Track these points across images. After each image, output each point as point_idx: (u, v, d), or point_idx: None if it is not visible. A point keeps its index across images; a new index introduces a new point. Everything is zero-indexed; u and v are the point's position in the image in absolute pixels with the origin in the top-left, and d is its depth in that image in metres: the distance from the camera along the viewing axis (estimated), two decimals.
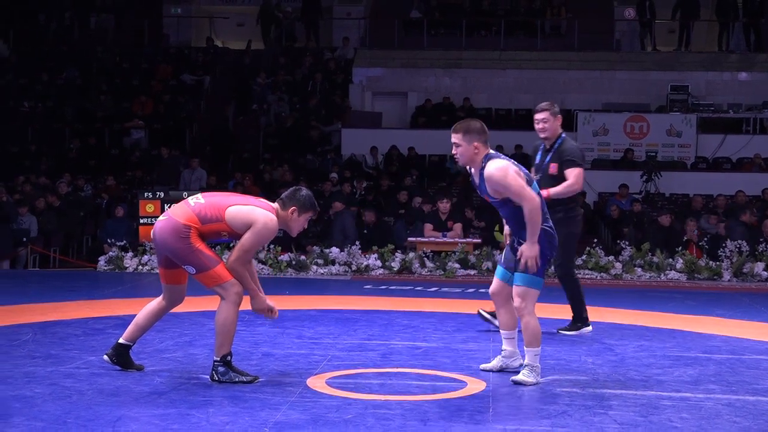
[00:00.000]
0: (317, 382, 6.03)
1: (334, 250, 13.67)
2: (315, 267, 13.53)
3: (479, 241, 14.34)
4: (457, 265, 13.47)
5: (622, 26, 25.28)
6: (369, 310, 9.66)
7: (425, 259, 13.61)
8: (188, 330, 8.06)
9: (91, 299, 10.10)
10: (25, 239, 15.39)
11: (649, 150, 20.80)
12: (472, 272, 13.47)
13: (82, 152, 20.68)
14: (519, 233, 6.11)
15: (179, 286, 6.29)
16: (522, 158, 20.48)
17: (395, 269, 13.48)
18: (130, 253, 13.77)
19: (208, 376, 6.08)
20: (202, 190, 15.62)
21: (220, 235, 6.11)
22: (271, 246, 13.69)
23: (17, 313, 8.92)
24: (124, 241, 13.92)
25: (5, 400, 5.39)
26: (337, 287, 12.09)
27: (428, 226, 14.19)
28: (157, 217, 13.37)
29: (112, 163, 20.38)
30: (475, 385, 6.04)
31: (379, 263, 13.55)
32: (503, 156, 6.15)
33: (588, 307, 8.58)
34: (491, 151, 6.10)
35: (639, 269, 13.62)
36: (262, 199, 6.24)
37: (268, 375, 6.25)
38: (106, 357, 6.31)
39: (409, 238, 14.34)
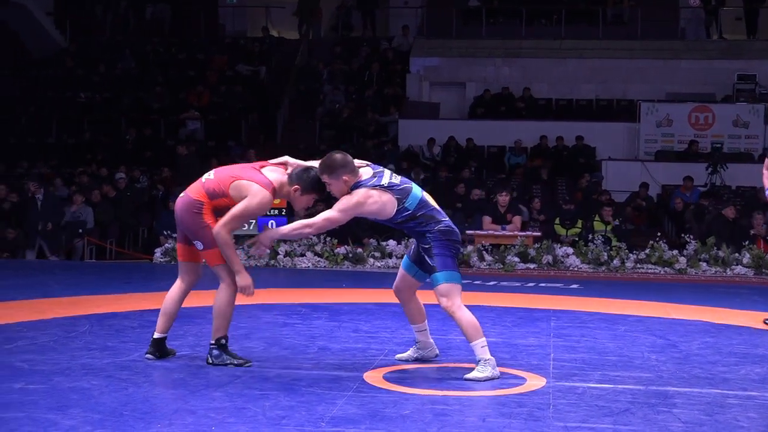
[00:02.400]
0: (374, 377, 5.96)
1: (391, 242, 13.59)
2: (372, 260, 13.48)
3: (539, 234, 14.18)
4: (516, 259, 13.34)
5: (686, 14, 24.83)
6: (427, 304, 9.48)
7: (484, 252, 13.48)
8: (244, 323, 8.03)
9: (147, 291, 10.12)
10: (81, 231, 15.51)
11: (715, 141, 20.42)
12: (532, 266, 13.33)
13: (137, 143, 20.81)
14: (419, 241, 6.21)
15: (195, 264, 6.42)
16: (584, 149, 20.31)
17: None
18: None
19: (265, 369, 6.05)
20: None
21: (230, 209, 6.15)
22: (328, 239, 13.67)
23: (74, 304, 8.97)
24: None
25: (63, 391, 5.40)
26: (393, 281, 11.99)
27: (487, 219, 14.05)
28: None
29: (167, 154, 20.49)
30: (535, 382, 5.94)
31: None
32: (377, 178, 6.06)
33: (652, 303, 8.42)
34: (363, 177, 6.05)
35: (704, 264, 13.39)
36: (270, 168, 6.30)
37: (324, 369, 6.20)
38: (148, 355, 6.39)
39: (468, 231, 14.21)
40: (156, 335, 6.41)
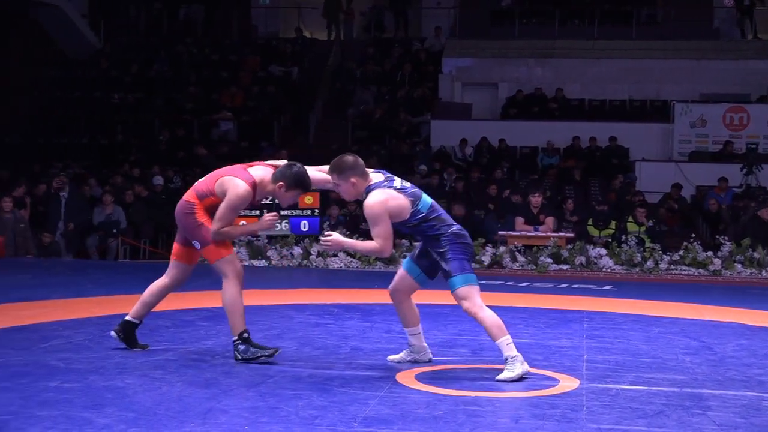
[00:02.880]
0: (407, 377, 5.96)
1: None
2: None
3: (572, 235, 14.12)
4: (549, 260, 13.29)
5: (720, 13, 24.67)
6: (459, 305, 9.53)
7: (516, 253, 13.44)
8: (277, 323, 8.06)
9: (180, 291, 10.13)
10: (115, 231, 15.61)
11: (750, 142, 20.26)
12: (565, 267, 13.28)
13: (170, 144, 20.91)
14: (431, 245, 6.19)
15: (186, 265, 6.64)
16: (618, 150, 20.21)
17: (486, 263, 13.33)
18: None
19: (298, 369, 6.06)
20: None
21: (217, 207, 6.29)
22: (360, 239, 13.68)
23: (108, 304, 9.03)
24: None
25: (97, 390, 5.43)
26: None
27: (519, 220, 14.01)
28: (247, 209, 13.47)
29: (199, 155, 20.54)
30: (568, 383, 5.91)
31: None
32: (388, 182, 6.13)
33: (686, 305, 8.37)
34: (373, 181, 6.11)
35: (739, 265, 13.28)
36: (257, 167, 6.47)
37: (357, 369, 6.20)
38: (113, 333, 6.66)
39: (500, 232, 14.17)
40: (128, 317, 6.70)
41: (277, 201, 6.69)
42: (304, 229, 13.61)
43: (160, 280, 6.71)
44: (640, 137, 20.59)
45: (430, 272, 6.27)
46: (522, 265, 13.35)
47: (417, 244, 6.44)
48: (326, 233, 6.18)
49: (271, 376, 5.91)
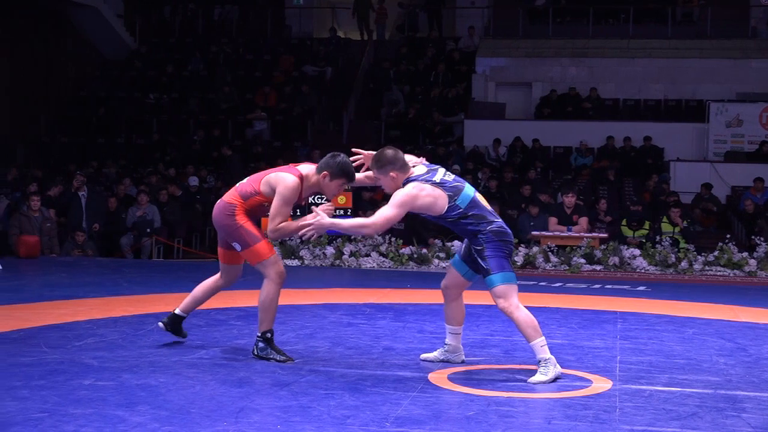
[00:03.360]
0: (439, 378, 5.96)
1: (456, 243, 13.55)
2: (437, 260, 13.45)
3: (605, 235, 14.04)
4: (582, 260, 13.23)
5: (757, 12, 24.41)
6: (492, 305, 9.45)
7: (549, 253, 13.38)
8: (309, 322, 8.08)
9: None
10: (149, 230, 15.70)
11: None
12: (598, 268, 13.21)
13: (205, 144, 21.01)
14: (471, 242, 6.13)
15: (235, 266, 6.73)
16: (652, 150, 20.08)
17: (518, 264, 13.29)
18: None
19: (330, 369, 6.08)
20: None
21: (264, 207, 6.39)
22: (393, 239, 13.69)
23: (142, 303, 9.10)
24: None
25: (131, 388, 5.47)
26: None
27: (553, 220, 13.96)
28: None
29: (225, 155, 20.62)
30: (600, 384, 5.88)
31: None
32: (429, 174, 6.09)
33: (720, 306, 8.30)
34: (414, 174, 6.10)
35: None
36: (301, 164, 6.52)
37: (389, 369, 6.20)
38: (160, 324, 6.90)
39: (533, 232, 14.12)
40: (177, 310, 6.90)
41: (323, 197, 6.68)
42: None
43: (212, 279, 6.84)
44: (675, 137, 20.44)
45: (477, 268, 6.18)
46: (555, 266, 13.30)
47: (464, 241, 6.36)
48: (302, 223, 6.08)
49: (304, 375, 5.92)
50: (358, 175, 6.48)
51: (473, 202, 6.06)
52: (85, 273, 12.02)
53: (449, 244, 13.58)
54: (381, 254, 13.48)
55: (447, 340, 6.51)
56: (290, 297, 9.63)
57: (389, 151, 6.11)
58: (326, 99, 23.17)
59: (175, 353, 6.55)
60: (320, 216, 5.98)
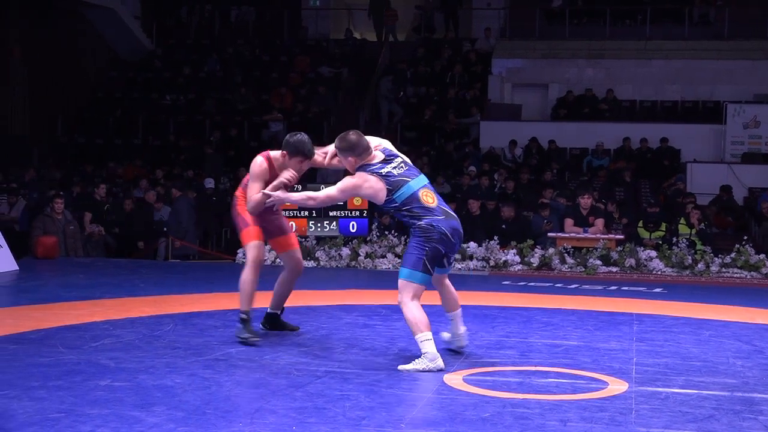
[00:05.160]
0: (454, 379, 5.95)
1: (472, 245, 13.54)
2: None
3: (622, 237, 14.00)
4: (598, 262, 13.19)
5: None
6: (507, 307, 9.54)
7: (565, 255, 13.36)
8: (325, 324, 8.08)
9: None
10: (165, 230, 15.75)
11: None
12: (614, 269, 13.17)
13: (221, 145, 21.05)
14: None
15: (290, 251, 7.39)
16: (669, 152, 20.02)
17: (534, 265, 13.27)
18: (267, 246, 13.91)
19: (345, 370, 6.10)
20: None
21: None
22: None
23: (158, 303, 9.12)
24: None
25: (147, 389, 5.49)
26: (474, 283, 11.97)
27: (569, 222, 13.92)
28: (294, 210, 13.58)
29: (250, 155, 20.63)
30: (617, 386, 5.87)
31: (517, 259, 13.37)
32: (381, 165, 6.40)
33: (737, 308, 8.26)
34: (372, 162, 6.43)
35: None
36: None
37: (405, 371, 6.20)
38: (261, 325, 7.45)
39: (549, 234, 14.09)
40: (269, 310, 7.55)
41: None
42: (353, 230, 13.67)
43: (283, 273, 7.49)
44: (692, 138, 20.38)
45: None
46: (571, 267, 13.26)
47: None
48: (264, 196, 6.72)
49: (319, 376, 5.93)
50: (317, 157, 7.00)
51: (412, 198, 6.34)
52: (101, 274, 12.06)
53: (465, 245, 13.56)
54: (397, 255, 13.47)
55: (453, 328, 6.91)
56: (306, 298, 9.64)
57: (352, 137, 6.47)
58: (342, 100, 23.18)
59: (191, 354, 6.57)
60: (279, 191, 6.70)
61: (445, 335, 6.97)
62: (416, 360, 6.22)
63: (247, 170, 7.19)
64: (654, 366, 6.54)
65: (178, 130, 22.05)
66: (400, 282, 6.35)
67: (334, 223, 13.85)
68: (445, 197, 15.92)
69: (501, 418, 5.05)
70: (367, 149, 6.44)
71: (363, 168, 6.42)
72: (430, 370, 6.13)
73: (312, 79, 23.51)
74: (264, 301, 7.62)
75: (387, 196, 6.34)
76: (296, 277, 7.47)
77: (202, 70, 24.21)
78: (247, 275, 6.99)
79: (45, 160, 21.02)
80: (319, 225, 13.85)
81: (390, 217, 14.10)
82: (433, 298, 6.88)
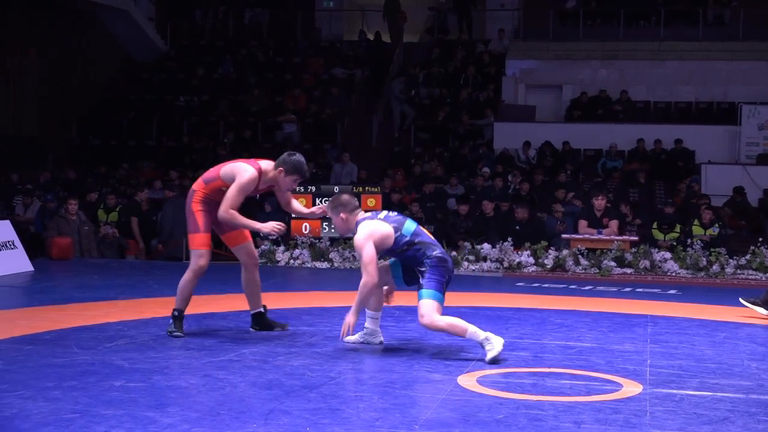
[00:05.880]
0: (468, 381, 5.95)
1: (486, 246, 13.53)
2: (466, 263, 13.43)
3: (636, 238, 13.97)
4: (612, 263, 13.16)
5: None
6: (521, 308, 9.53)
7: (579, 256, 13.33)
8: (338, 325, 8.04)
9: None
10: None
11: None
12: (629, 271, 13.14)
13: (235, 146, 21.07)
14: (415, 265, 6.76)
15: (243, 244, 7.41)
16: (683, 153, 19.95)
17: (548, 266, 13.25)
18: (281, 247, 13.95)
19: (359, 371, 6.10)
20: (353, 184, 15.68)
21: (222, 192, 7.05)
22: None
23: (172, 304, 9.08)
24: (275, 235, 13.96)
25: (161, 390, 5.50)
26: (488, 284, 11.96)
27: (583, 223, 13.90)
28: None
29: (263, 156, 20.60)
30: (631, 388, 5.85)
31: (531, 260, 13.35)
32: (376, 215, 6.89)
33: (753, 310, 8.23)
34: (362, 216, 6.89)
35: None
36: (261, 160, 7.24)
37: (418, 372, 6.20)
38: (251, 329, 7.55)
39: (563, 236, 14.07)
40: (252, 311, 7.59)
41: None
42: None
43: (242, 274, 7.50)
44: (706, 140, 20.29)
45: (408, 280, 6.91)
46: (585, 269, 13.24)
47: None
48: (343, 336, 6.89)
49: (333, 377, 5.93)
50: (301, 209, 7.57)
51: (416, 232, 6.78)
52: (116, 275, 12.10)
53: (479, 246, 13.55)
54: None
55: (366, 323, 7.14)
56: (320, 299, 9.66)
57: (345, 197, 6.96)
58: (356, 101, 23.17)
59: (205, 355, 6.58)
60: (345, 320, 6.79)
61: (351, 338, 7.14)
62: (487, 346, 6.52)
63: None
64: (668, 368, 6.52)
65: (192, 131, 22.08)
66: (426, 302, 6.61)
67: (335, 227, 13.82)
68: (459, 199, 16.00)
69: (515, 419, 5.04)
70: (356, 207, 6.90)
71: (358, 222, 6.83)
72: (502, 344, 6.55)
73: (325, 81, 23.52)
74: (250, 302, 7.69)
75: (396, 233, 6.72)
76: (256, 270, 7.51)
77: (215, 71, 24.24)
78: (187, 278, 7.23)
79: (59, 162, 21.08)
80: (333, 226, 13.86)
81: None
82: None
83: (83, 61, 23.54)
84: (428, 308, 6.60)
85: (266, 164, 7.18)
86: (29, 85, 22.04)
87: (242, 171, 7.03)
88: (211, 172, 7.24)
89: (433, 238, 6.92)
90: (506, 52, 23.88)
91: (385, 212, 6.97)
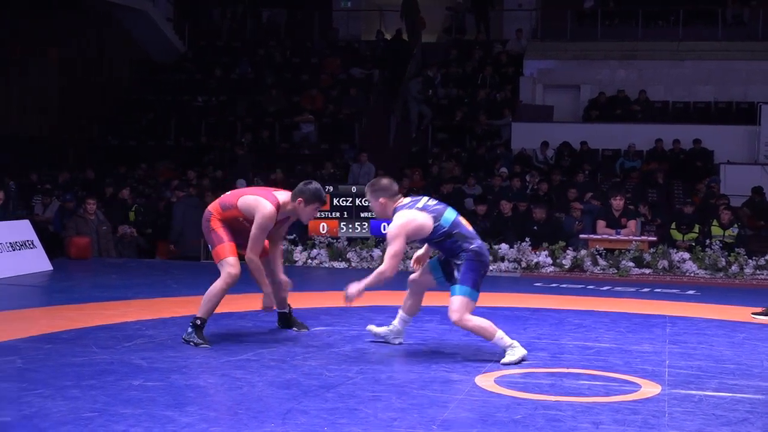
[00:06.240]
0: (486, 381, 5.94)
1: (504, 246, 13.50)
2: None
3: (655, 239, 13.92)
4: (631, 264, 13.12)
5: None
6: (539, 309, 9.51)
7: (598, 257, 13.29)
8: (356, 325, 8.09)
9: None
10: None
11: None
12: (647, 271, 13.09)
13: (252, 147, 21.11)
14: (452, 257, 6.65)
15: (262, 259, 7.23)
16: (702, 153, 19.87)
17: (566, 267, 13.22)
18: (299, 247, 13.96)
19: (377, 371, 6.10)
20: None
21: (240, 222, 7.06)
22: None
23: (191, 304, 9.11)
24: (294, 235, 14.04)
25: (180, 389, 5.52)
26: (506, 284, 11.94)
27: (601, 223, 13.86)
28: (327, 212, 13.60)
29: (281, 157, 20.67)
30: (649, 389, 5.84)
31: (549, 260, 13.32)
32: (413, 202, 6.68)
33: None
34: (403, 202, 6.70)
35: None
36: (277, 191, 7.19)
37: (436, 372, 6.20)
38: (278, 325, 7.66)
39: (581, 236, 14.03)
40: (277, 310, 7.56)
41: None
42: (384, 232, 13.68)
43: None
44: (725, 140, 20.20)
45: (450, 278, 6.69)
46: (603, 269, 13.20)
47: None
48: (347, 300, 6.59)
49: (351, 377, 5.94)
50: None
51: (455, 223, 6.63)
52: (134, 274, 12.14)
53: (496, 247, 13.53)
54: (429, 257, 13.45)
55: (396, 322, 7.14)
56: (337, 299, 9.63)
57: (385, 181, 6.77)
58: (373, 101, 23.17)
59: (223, 354, 6.60)
60: (349, 288, 6.53)
61: (375, 328, 7.24)
62: (507, 353, 6.50)
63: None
64: (687, 368, 6.50)
65: (210, 131, 22.13)
66: (459, 299, 6.50)
67: (366, 224, 13.87)
68: (477, 199, 15.98)
69: (533, 420, 5.04)
70: (396, 193, 6.75)
71: (396, 211, 6.64)
72: (525, 355, 6.53)
73: (343, 81, 23.53)
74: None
75: (434, 223, 6.55)
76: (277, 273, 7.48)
77: (233, 71, 24.29)
78: (218, 289, 6.98)
79: (78, 162, 21.16)
80: (350, 226, 13.88)
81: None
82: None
83: (102, 62, 23.63)
84: (460, 305, 6.49)
85: (283, 196, 7.07)
86: (48, 86, 22.13)
87: (261, 208, 6.90)
88: (228, 198, 7.14)
89: (471, 229, 6.74)
90: (524, 52, 23.85)
91: (425, 200, 6.75)
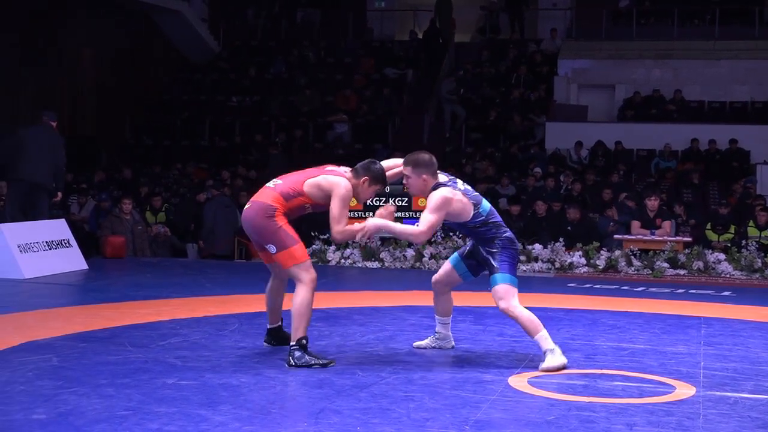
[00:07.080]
0: (519, 382, 5.93)
1: (537, 247, 13.45)
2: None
3: (690, 239, 13.81)
4: (665, 265, 13.03)
5: None
6: (572, 309, 9.47)
7: (632, 257, 13.21)
8: (389, 325, 8.09)
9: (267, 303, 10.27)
10: (233, 231, 15.87)
11: None
12: (682, 272, 12.99)
13: (286, 146, 21.15)
14: (484, 246, 6.51)
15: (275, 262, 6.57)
16: (738, 153, 19.71)
17: (600, 267, 13.15)
18: (332, 247, 13.98)
19: (410, 371, 6.09)
20: (403, 184, 15.64)
21: (305, 209, 6.49)
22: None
23: (224, 303, 9.20)
24: (327, 235, 14.03)
25: (213, 388, 5.54)
26: (539, 285, 11.89)
27: (636, 224, 13.78)
28: (359, 212, 13.60)
29: (314, 156, 20.68)
30: (684, 390, 5.79)
31: (583, 261, 13.25)
32: (455, 183, 6.47)
33: None
34: (442, 179, 6.45)
35: None
36: (329, 167, 6.65)
37: (469, 372, 6.19)
38: (265, 343, 6.93)
39: (615, 236, 13.96)
40: (269, 326, 6.93)
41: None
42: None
43: (271, 283, 6.84)
44: (762, 140, 20.01)
45: (475, 270, 6.69)
46: (638, 270, 13.11)
47: (468, 242, 6.82)
48: (357, 230, 6.29)
49: (384, 377, 5.94)
50: (392, 169, 6.79)
51: (492, 211, 6.54)
52: (168, 273, 12.21)
53: (530, 247, 13.47)
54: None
55: (437, 329, 6.98)
56: (370, 299, 9.67)
57: (426, 155, 6.48)
58: (407, 101, 23.17)
59: (257, 354, 6.62)
60: (368, 221, 6.30)
61: (422, 342, 7.03)
62: (548, 358, 6.28)
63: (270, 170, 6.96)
64: (722, 370, 6.45)
65: (244, 131, 22.22)
66: (502, 287, 6.37)
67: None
68: (511, 199, 15.93)
69: (566, 421, 5.02)
70: (437, 169, 6.48)
71: (437, 186, 6.38)
72: (565, 363, 6.30)
73: (377, 81, 23.55)
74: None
75: (474, 210, 6.41)
76: (284, 286, 6.85)
77: (267, 71, 24.38)
78: (307, 298, 6.30)
79: (113, 162, 21.32)
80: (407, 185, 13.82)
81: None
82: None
83: (137, 62, 23.78)
84: (506, 292, 6.36)
85: (348, 173, 6.56)
86: (85, 87, 22.32)
87: (338, 185, 6.35)
88: (288, 187, 6.45)
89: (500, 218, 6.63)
90: (558, 51, 23.75)
91: (462, 184, 6.54)
